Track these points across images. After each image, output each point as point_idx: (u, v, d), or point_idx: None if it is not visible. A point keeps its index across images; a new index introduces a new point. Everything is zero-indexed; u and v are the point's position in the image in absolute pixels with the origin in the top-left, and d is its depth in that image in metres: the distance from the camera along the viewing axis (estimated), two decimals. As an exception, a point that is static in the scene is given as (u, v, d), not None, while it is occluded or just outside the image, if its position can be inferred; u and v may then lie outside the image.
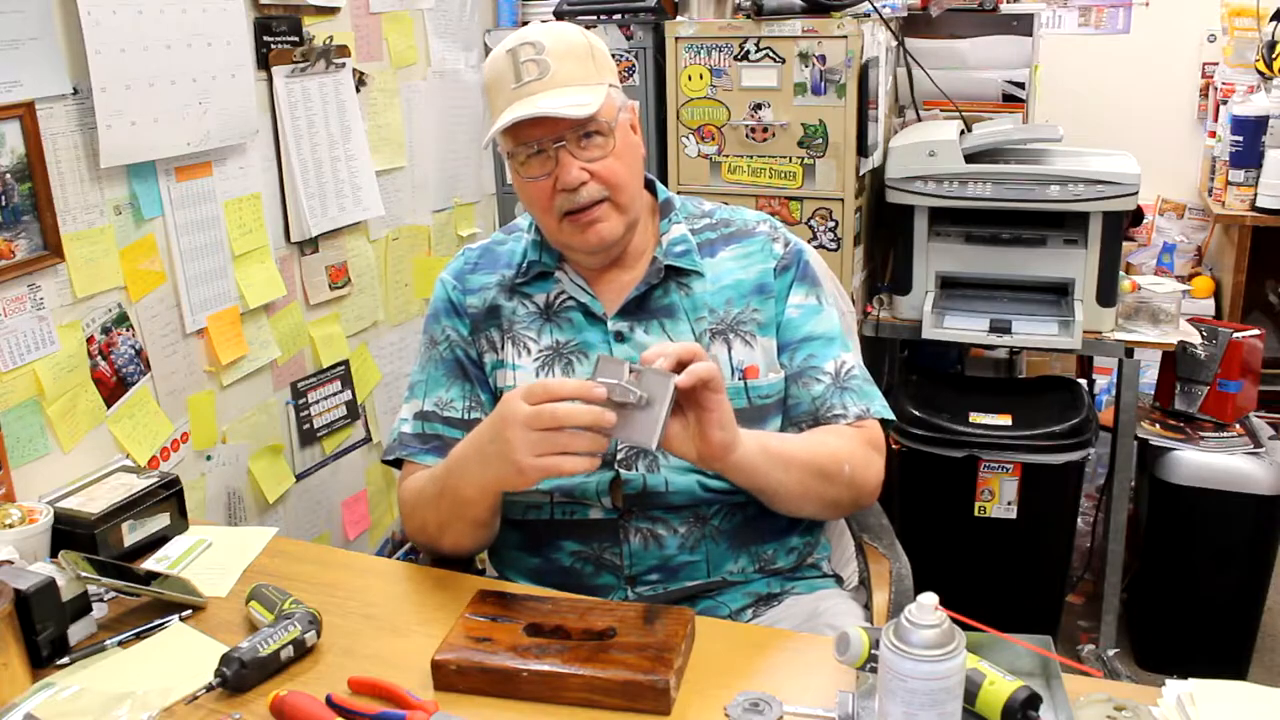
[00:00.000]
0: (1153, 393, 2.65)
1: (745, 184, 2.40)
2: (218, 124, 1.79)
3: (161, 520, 1.50)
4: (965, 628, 0.97)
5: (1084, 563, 2.81)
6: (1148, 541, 2.50)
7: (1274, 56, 3.08)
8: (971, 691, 1.00)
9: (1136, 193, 2.28)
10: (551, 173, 1.34)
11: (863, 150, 2.32)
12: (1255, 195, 3.01)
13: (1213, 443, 2.45)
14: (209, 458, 1.87)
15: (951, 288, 2.47)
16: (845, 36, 2.24)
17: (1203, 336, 2.49)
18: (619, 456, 1.37)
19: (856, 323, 1.94)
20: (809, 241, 1.86)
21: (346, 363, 2.19)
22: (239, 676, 1.13)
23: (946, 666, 0.93)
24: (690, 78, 2.37)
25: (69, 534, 1.39)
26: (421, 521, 1.40)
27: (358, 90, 2.14)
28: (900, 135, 2.52)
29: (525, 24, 2.53)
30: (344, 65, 2.09)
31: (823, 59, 2.26)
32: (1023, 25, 2.74)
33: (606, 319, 1.43)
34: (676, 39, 2.36)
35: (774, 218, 1.55)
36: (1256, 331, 2.56)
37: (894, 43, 2.63)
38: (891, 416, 1.45)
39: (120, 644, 1.25)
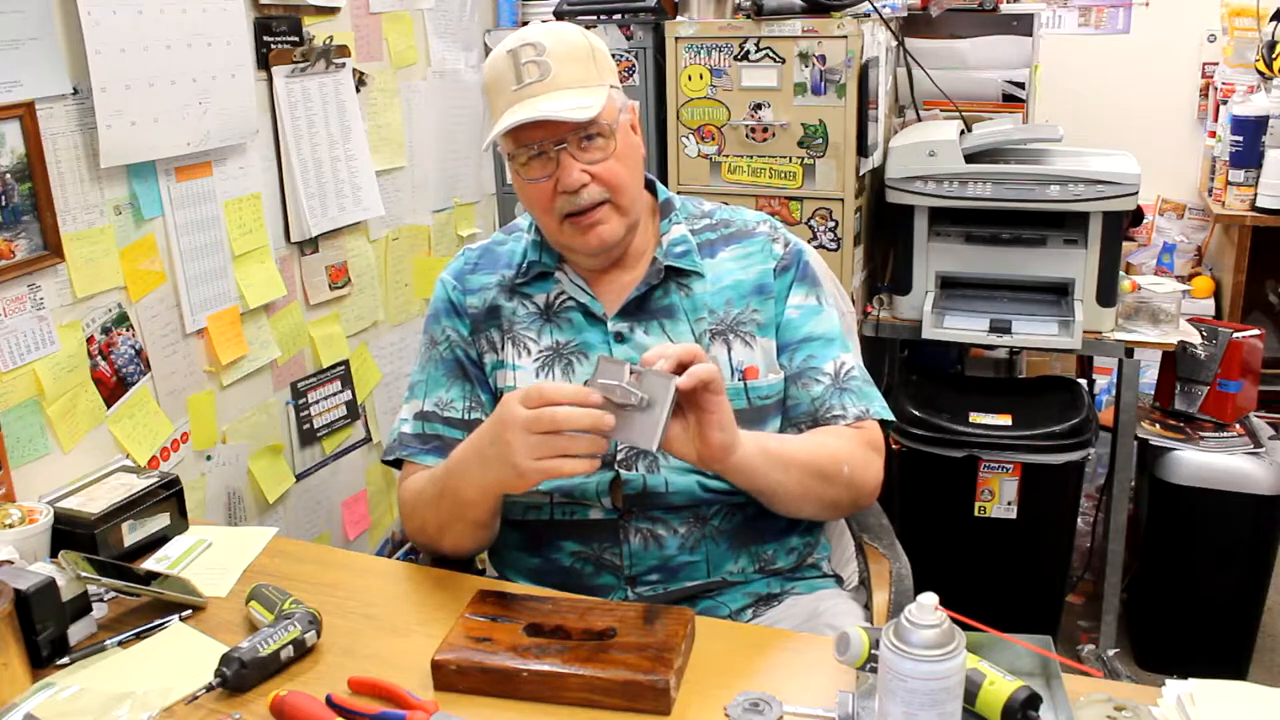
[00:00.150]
0: (1153, 393, 2.65)
1: (745, 184, 2.40)
2: (218, 124, 1.79)
3: (161, 520, 1.50)
4: (965, 628, 0.97)
5: (1084, 563, 2.81)
6: (1148, 541, 2.50)
7: (1274, 56, 3.08)
8: (971, 691, 1.00)
9: (1136, 193, 2.28)
10: (553, 175, 1.34)
11: (863, 150, 2.32)
12: (1255, 195, 3.01)
13: (1213, 443, 2.45)
14: (209, 458, 1.87)
15: (951, 288, 2.47)
16: (845, 36, 2.24)
17: (1203, 336, 2.49)
18: (619, 457, 1.37)
19: (856, 323, 1.94)
20: (809, 241, 1.86)
21: (346, 363, 2.19)
22: (239, 676, 1.13)
23: (946, 666, 0.93)
24: (690, 78, 2.37)
25: (69, 534, 1.39)
26: (421, 522, 1.40)
27: (358, 90, 2.14)
28: (900, 135, 2.52)
29: (525, 24, 2.53)
30: (344, 65, 2.09)
31: (823, 59, 2.26)
32: (1023, 25, 2.74)
33: (606, 319, 1.43)
34: (676, 39, 2.36)
35: (774, 218, 1.55)
36: (1256, 331, 2.56)
37: (894, 43, 2.63)
38: (891, 417, 1.45)
39: (120, 644, 1.25)
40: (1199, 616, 2.46)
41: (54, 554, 1.36)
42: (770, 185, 2.38)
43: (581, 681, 1.09)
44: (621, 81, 1.69)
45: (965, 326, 2.40)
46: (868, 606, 1.48)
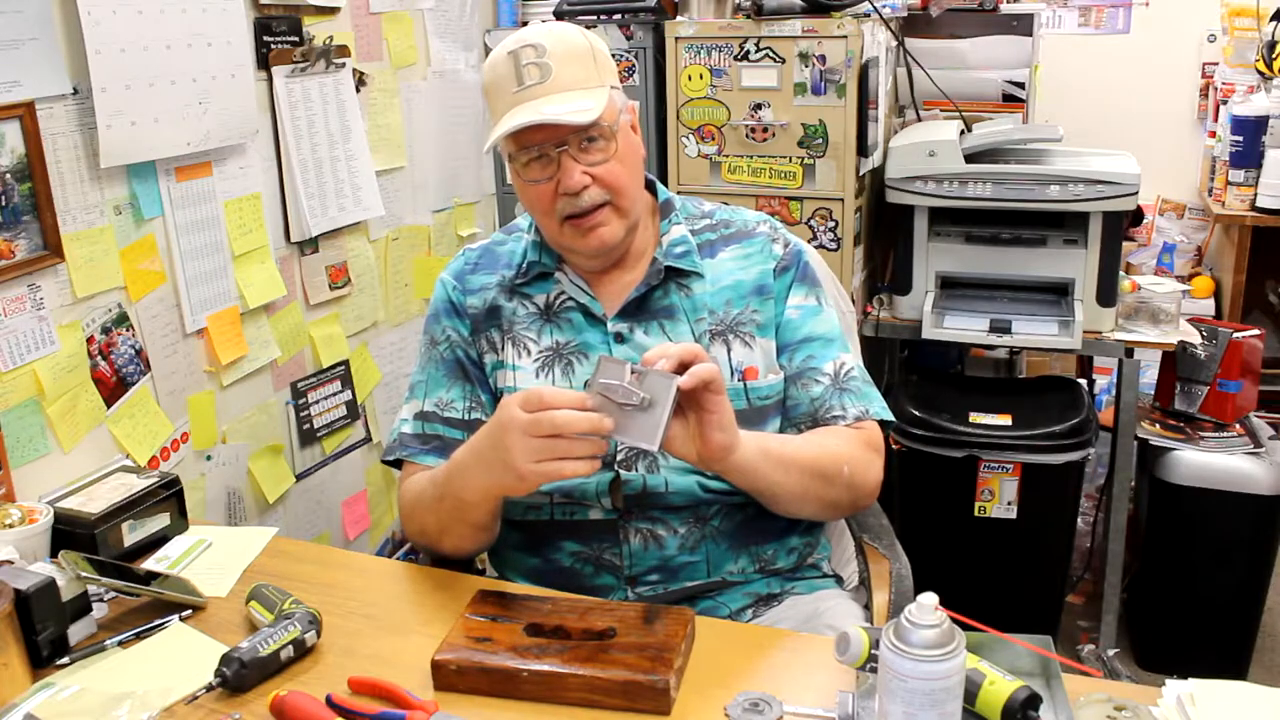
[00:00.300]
0: (1153, 393, 2.65)
1: (745, 184, 2.40)
2: (218, 124, 1.79)
3: (161, 520, 1.50)
4: (965, 628, 0.97)
5: (1084, 563, 2.81)
6: (1148, 541, 2.50)
7: (1274, 56, 3.08)
8: (971, 691, 1.00)
9: (1136, 193, 2.28)
10: (553, 176, 1.34)
11: (863, 150, 2.32)
12: (1255, 195, 3.01)
13: (1213, 443, 2.45)
14: (209, 458, 1.87)
15: (951, 288, 2.47)
16: (845, 36, 2.24)
17: (1203, 336, 2.49)
18: (619, 457, 1.37)
19: (856, 323, 1.94)
20: (809, 241, 1.86)
21: (346, 363, 2.19)
22: (239, 676, 1.13)
23: (946, 666, 0.93)
24: (690, 78, 2.37)
25: (69, 534, 1.39)
26: (421, 524, 1.40)
27: (358, 90, 2.14)
28: (900, 135, 2.52)
29: (525, 24, 2.53)
30: (344, 65, 2.09)
31: (823, 59, 2.26)
32: (1023, 25, 2.74)
33: (606, 320, 1.43)
34: (676, 39, 2.36)
35: (774, 218, 1.55)
36: (1256, 331, 2.56)
37: (894, 43, 2.63)
38: (891, 418, 1.45)
39: (120, 644, 1.25)
40: (1199, 616, 2.46)
41: (54, 554, 1.36)
42: (770, 185, 2.38)
43: (581, 681, 1.09)
44: (621, 82, 1.69)
45: (965, 326, 2.40)
46: (868, 607, 1.48)
